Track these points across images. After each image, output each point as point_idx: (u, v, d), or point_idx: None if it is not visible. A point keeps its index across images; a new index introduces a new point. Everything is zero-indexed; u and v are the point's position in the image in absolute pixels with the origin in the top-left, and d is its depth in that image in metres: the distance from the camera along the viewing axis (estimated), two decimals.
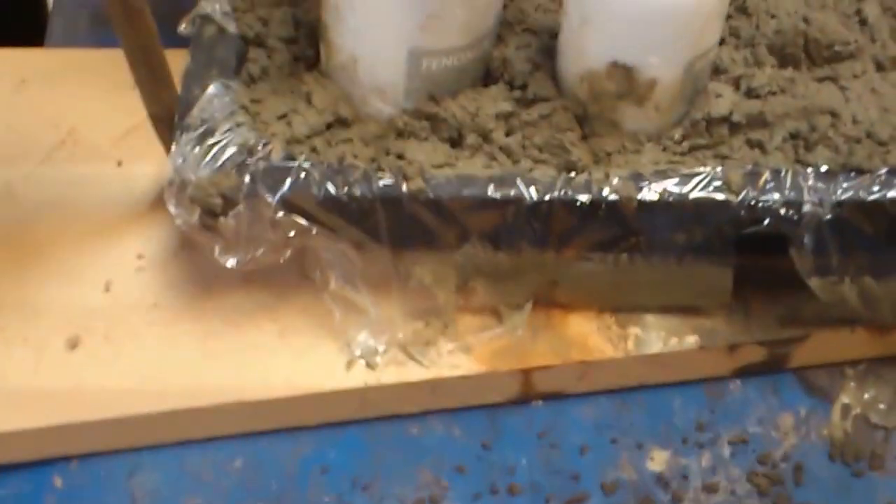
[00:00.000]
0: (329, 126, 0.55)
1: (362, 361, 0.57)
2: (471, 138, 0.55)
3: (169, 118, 0.55)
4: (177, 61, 0.57)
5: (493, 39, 0.57)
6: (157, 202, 0.62)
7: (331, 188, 0.52)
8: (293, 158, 0.53)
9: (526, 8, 0.61)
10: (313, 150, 0.54)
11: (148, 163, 0.64)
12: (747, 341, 0.58)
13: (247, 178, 0.52)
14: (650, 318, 0.59)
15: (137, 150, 0.65)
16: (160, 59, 0.53)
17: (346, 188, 0.52)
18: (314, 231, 0.54)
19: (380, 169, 0.53)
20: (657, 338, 0.58)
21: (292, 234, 0.53)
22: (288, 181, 0.52)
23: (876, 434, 0.58)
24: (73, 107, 0.69)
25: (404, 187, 0.52)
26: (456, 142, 0.55)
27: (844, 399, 0.59)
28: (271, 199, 0.52)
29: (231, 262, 0.54)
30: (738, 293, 0.58)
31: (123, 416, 0.54)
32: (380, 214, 0.53)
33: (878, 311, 0.56)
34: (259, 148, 0.53)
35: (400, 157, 0.54)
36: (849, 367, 0.60)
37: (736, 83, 0.57)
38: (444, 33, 0.54)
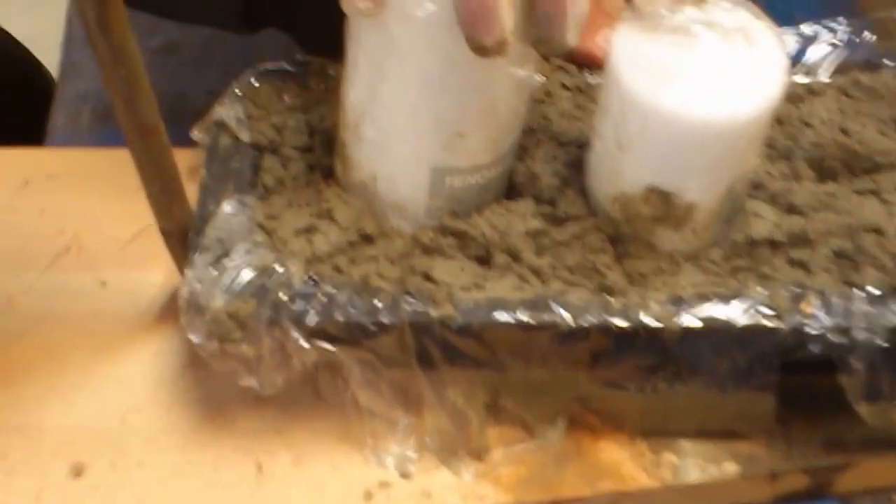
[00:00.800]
0: (352, 243, 0.52)
1: (383, 494, 0.53)
2: (500, 258, 0.52)
3: (182, 233, 0.53)
4: (182, 160, 0.55)
5: (515, 153, 0.55)
6: (165, 314, 0.60)
7: (356, 314, 0.50)
8: (315, 281, 0.50)
9: (549, 113, 0.58)
10: (336, 269, 0.52)
11: (156, 270, 0.61)
12: (790, 468, 0.55)
13: (267, 306, 0.49)
14: (686, 445, 0.55)
15: (145, 257, 0.62)
16: (173, 174, 0.50)
17: (373, 315, 0.49)
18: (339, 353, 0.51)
19: (407, 293, 0.50)
20: (694, 465, 0.55)
21: (316, 358, 0.51)
22: (311, 308, 0.49)
23: None
24: (77, 210, 0.66)
25: (433, 313, 0.49)
26: (484, 259, 0.53)
27: None
28: (294, 328, 0.49)
29: (252, 383, 0.52)
30: (779, 417, 0.55)
31: None
32: (408, 338, 0.50)
33: None
34: (278, 270, 0.50)
35: (427, 276, 0.51)
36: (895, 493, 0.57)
37: (774, 199, 0.55)
38: (469, 151, 0.51)
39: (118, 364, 0.58)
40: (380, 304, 0.50)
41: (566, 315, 0.49)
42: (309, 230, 0.53)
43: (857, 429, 0.53)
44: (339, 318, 0.49)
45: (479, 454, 0.54)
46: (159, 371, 0.58)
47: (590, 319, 0.50)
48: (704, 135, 0.49)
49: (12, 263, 0.63)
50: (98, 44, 0.42)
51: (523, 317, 0.50)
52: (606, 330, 0.50)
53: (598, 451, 0.55)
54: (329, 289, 0.50)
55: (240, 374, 0.52)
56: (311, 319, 0.49)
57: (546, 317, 0.50)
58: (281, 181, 0.55)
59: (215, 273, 0.50)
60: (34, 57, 1.01)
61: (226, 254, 0.51)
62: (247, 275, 0.50)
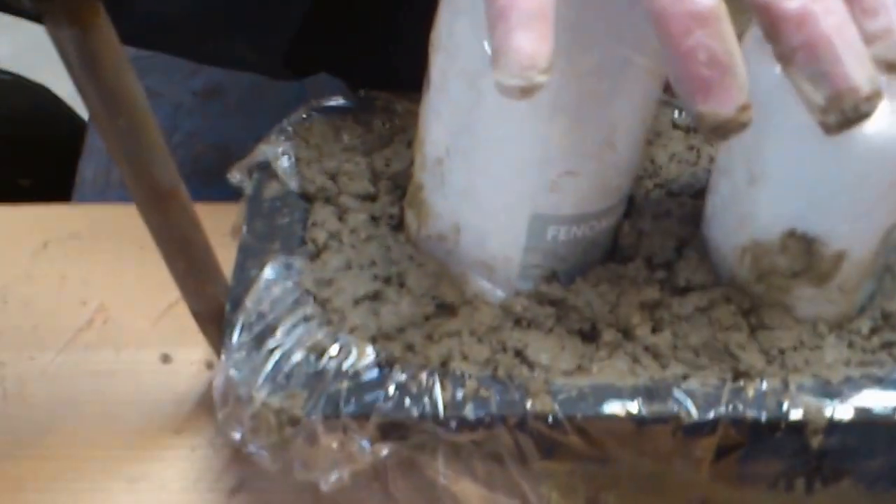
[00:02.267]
0: (427, 316, 0.43)
1: None
2: (609, 334, 0.43)
3: (217, 315, 0.43)
4: (227, 216, 0.46)
5: (627, 204, 0.46)
6: (205, 401, 0.51)
7: (435, 407, 0.40)
8: (382, 365, 0.41)
9: (657, 156, 0.49)
10: (409, 348, 0.42)
11: (194, 348, 0.53)
12: None
13: (322, 398, 0.40)
14: None
15: (181, 332, 0.53)
16: (203, 248, 0.42)
17: (456, 409, 0.40)
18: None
19: (496, 378, 0.41)
20: None
21: (384, 454, 0.41)
22: (378, 401, 0.40)
23: None
24: (103, 278, 0.58)
25: (528, 405, 0.40)
26: (588, 336, 0.44)
27: None
28: (357, 425, 0.40)
29: (310, 478, 0.43)
30: None
31: None
32: (499, 435, 0.41)
33: None
34: (335, 353, 0.41)
35: (520, 355, 0.42)
36: None
37: None
38: (579, 195, 0.42)
39: (148, 462, 0.50)
40: (463, 394, 0.40)
41: (691, 406, 0.40)
42: (374, 298, 0.44)
43: None
44: (414, 412, 0.40)
45: None
46: (198, 470, 0.49)
47: (720, 411, 0.41)
48: (867, 158, 0.39)
49: (27, 342, 0.55)
50: (84, 87, 0.34)
51: (638, 408, 0.41)
52: (739, 423, 0.41)
53: None
54: (401, 375, 0.41)
55: (294, 468, 0.43)
56: (377, 414, 0.40)
57: (666, 408, 0.41)
58: (336, 236, 0.46)
59: (257, 357, 0.41)
60: (68, 107, 0.94)
61: (269, 332, 0.42)
62: (296, 358, 0.42)
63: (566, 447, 0.42)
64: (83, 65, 0.32)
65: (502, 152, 0.42)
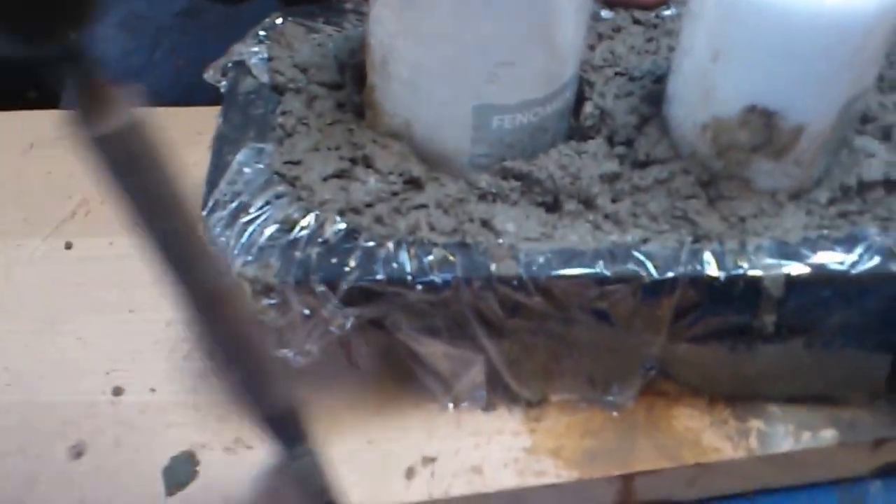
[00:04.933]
0: (396, 192, 0.45)
1: (425, 469, 0.46)
2: (570, 205, 0.45)
3: (284, 418, 0.39)
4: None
5: (576, 89, 0.48)
6: None
7: (403, 271, 0.42)
8: (351, 234, 0.43)
9: (618, 49, 0.51)
10: (377, 220, 0.44)
11: None
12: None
13: (294, 266, 0.42)
14: (775, 410, 0.49)
15: None
16: (261, 353, 0.36)
17: (423, 273, 0.42)
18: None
19: (463, 244, 0.43)
20: (785, 433, 0.48)
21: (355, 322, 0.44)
22: (347, 267, 0.42)
23: None
24: (86, 174, 0.60)
25: (493, 268, 0.42)
26: (551, 207, 0.46)
27: None
28: (329, 291, 0.42)
29: (284, 354, 0.45)
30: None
31: None
32: (465, 297, 0.43)
33: None
34: (307, 223, 0.43)
35: (486, 225, 0.44)
36: None
37: (887, 133, 0.47)
38: (517, 84, 0.44)
39: (127, 336, 0.52)
40: (431, 260, 0.43)
41: (650, 266, 0.42)
42: (342, 176, 0.46)
43: None
44: (382, 277, 0.42)
45: (538, 416, 0.48)
46: (173, 342, 0.52)
47: (679, 271, 0.42)
48: (827, 32, 0.41)
49: (13, 231, 0.57)
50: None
51: (599, 269, 0.42)
52: (698, 282, 0.43)
53: (672, 418, 0.49)
54: (369, 243, 0.43)
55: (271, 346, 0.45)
56: (349, 280, 0.42)
57: (626, 269, 0.43)
58: (305, 122, 0.48)
59: (231, 232, 0.43)
60: None
61: (243, 209, 0.44)
62: (269, 231, 0.44)
63: (529, 308, 0.44)
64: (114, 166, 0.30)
65: (440, 48, 0.43)
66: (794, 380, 0.48)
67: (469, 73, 0.43)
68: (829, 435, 0.48)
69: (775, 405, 0.49)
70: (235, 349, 0.35)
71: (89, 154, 0.31)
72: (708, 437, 0.48)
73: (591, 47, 0.51)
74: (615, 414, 0.48)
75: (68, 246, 0.56)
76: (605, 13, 0.54)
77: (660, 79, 0.49)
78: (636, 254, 0.43)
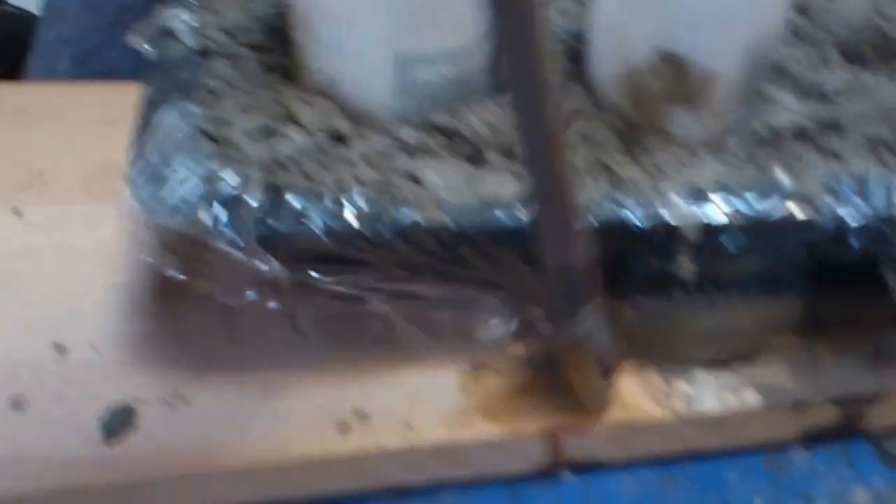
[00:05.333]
0: (322, 148, 0.47)
1: (358, 424, 0.48)
2: (493, 156, 0.46)
3: (584, 272, 0.42)
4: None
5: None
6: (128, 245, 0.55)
7: (331, 226, 0.43)
8: (278, 190, 0.44)
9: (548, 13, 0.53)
10: (304, 175, 0.45)
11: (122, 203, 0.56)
12: (817, 399, 0.49)
13: (218, 220, 0.43)
14: (701, 373, 0.50)
15: (111, 191, 0.57)
16: (574, 196, 0.39)
17: (348, 227, 0.43)
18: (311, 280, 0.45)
19: (389, 196, 0.44)
20: (710, 395, 0.49)
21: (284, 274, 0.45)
22: (274, 221, 0.43)
23: None
24: (44, 146, 0.62)
25: (419, 218, 0.44)
26: (475, 159, 0.47)
27: None
28: (255, 246, 0.43)
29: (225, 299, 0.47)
30: (806, 340, 0.49)
31: (72, 488, 0.45)
32: (396, 249, 0.44)
33: None
34: (232, 180, 0.44)
35: (413, 178, 0.45)
36: None
37: (800, 85, 0.49)
38: (437, 31, 0.45)
39: (80, 297, 0.53)
40: (358, 214, 0.44)
41: None
42: (268, 134, 0.46)
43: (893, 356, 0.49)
44: (309, 232, 0.43)
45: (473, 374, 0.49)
46: (123, 304, 0.53)
47: (599, 218, 0.44)
48: None
49: None
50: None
51: (522, 216, 0.44)
52: (618, 230, 0.44)
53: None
54: (297, 198, 0.44)
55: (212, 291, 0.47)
56: (276, 234, 0.43)
57: None
58: (231, 84, 0.49)
59: (158, 189, 0.44)
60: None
61: (166, 166, 0.45)
62: (196, 188, 0.44)
63: (456, 255, 0.45)
64: None
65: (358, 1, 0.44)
66: (714, 331, 0.49)
67: (387, 21, 0.44)
68: (751, 398, 0.49)
69: (702, 368, 0.50)
70: (557, 196, 0.38)
71: None
72: (633, 398, 0.49)
73: None
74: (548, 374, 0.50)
75: (17, 213, 0.57)
76: None
77: (582, 37, 0.51)
78: None
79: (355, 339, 0.50)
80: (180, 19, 0.52)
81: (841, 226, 0.44)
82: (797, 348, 0.50)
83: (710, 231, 0.44)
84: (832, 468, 0.51)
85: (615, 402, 0.49)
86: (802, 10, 0.52)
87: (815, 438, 0.51)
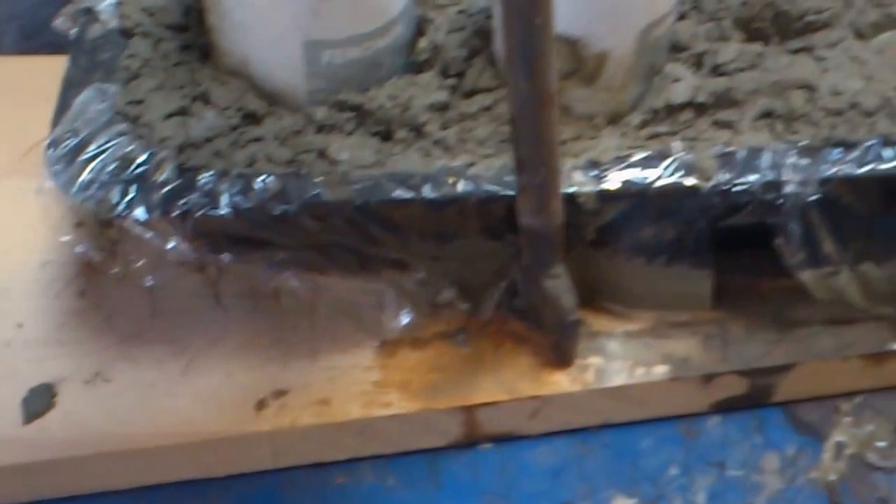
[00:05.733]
0: (234, 126, 0.47)
1: (276, 402, 0.48)
2: (402, 133, 0.47)
3: (555, 233, 0.45)
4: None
5: (412, 24, 0.50)
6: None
7: (239, 204, 0.44)
8: (189, 168, 0.45)
9: None
10: (216, 154, 0.46)
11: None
12: (725, 371, 0.50)
13: (129, 199, 0.44)
14: (613, 346, 0.51)
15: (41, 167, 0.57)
16: (557, 158, 0.42)
17: (259, 204, 0.44)
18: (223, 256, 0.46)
19: (298, 174, 0.45)
20: (621, 368, 0.50)
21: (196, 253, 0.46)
22: (185, 201, 0.44)
23: (874, 476, 0.50)
24: None
25: (328, 195, 0.44)
26: (385, 136, 0.48)
27: (838, 437, 0.51)
28: (166, 224, 0.44)
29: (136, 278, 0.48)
30: (715, 315, 0.51)
31: None
32: (304, 224, 0.45)
33: (884, 303, 0.49)
34: (144, 160, 0.45)
35: (322, 154, 0.46)
36: (842, 401, 0.53)
37: (699, 60, 0.51)
38: (343, 18, 0.46)
39: (5, 275, 0.54)
40: (266, 188, 0.45)
41: (477, 186, 0.45)
42: (182, 114, 0.47)
43: (801, 329, 0.51)
44: (220, 211, 0.44)
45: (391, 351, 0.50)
46: (46, 278, 0.53)
47: (504, 190, 0.45)
48: None
49: None
50: None
51: (428, 192, 0.45)
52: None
53: (517, 356, 0.51)
54: (208, 177, 0.45)
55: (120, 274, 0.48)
56: (187, 213, 0.44)
57: (453, 190, 0.45)
58: (149, 63, 0.49)
59: (72, 169, 0.45)
60: None
61: (84, 146, 0.46)
62: (108, 167, 0.45)
63: (366, 232, 0.46)
64: None
65: None
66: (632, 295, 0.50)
67: (293, 8, 0.45)
68: (661, 370, 0.50)
69: (614, 342, 0.51)
70: (547, 150, 0.40)
71: None
72: (547, 372, 0.50)
73: None
74: (463, 350, 0.51)
75: None
76: None
77: (491, 15, 0.51)
78: (460, 177, 0.45)
79: (277, 317, 0.51)
80: (102, 0, 0.52)
81: (734, 197, 0.45)
82: (707, 321, 0.51)
83: (604, 199, 0.45)
84: (745, 435, 0.52)
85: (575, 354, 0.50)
86: None
87: (726, 408, 0.52)
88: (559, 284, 0.47)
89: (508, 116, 0.40)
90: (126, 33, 0.51)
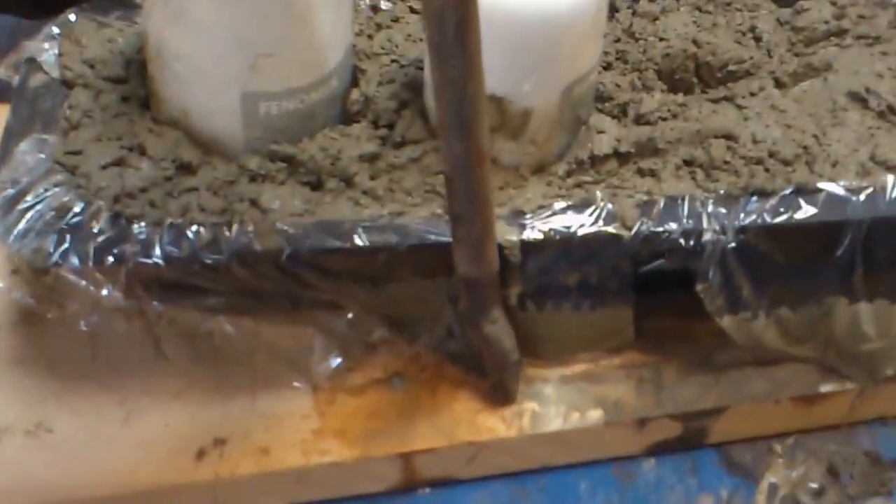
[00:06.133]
0: (168, 177, 0.48)
1: (215, 451, 0.49)
2: (332, 183, 0.48)
3: (493, 279, 0.46)
4: None
5: (347, 76, 0.51)
6: None
7: (172, 254, 0.45)
8: (125, 219, 0.46)
9: (395, 37, 0.55)
10: (151, 204, 0.47)
11: None
12: (659, 414, 0.51)
13: (64, 248, 0.45)
14: (548, 391, 0.52)
15: None
16: (492, 208, 0.43)
17: (192, 254, 0.45)
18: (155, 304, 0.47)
19: (229, 224, 0.46)
20: (556, 413, 0.51)
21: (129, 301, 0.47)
22: (120, 251, 0.45)
23: None
24: None
25: (258, 244, 0.45)
26: (316, 185, 0.49)
27: (771, 478, 0.52)
28: (100, 273, 0.45)
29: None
30: (648, 359, 0.52)
31: None
32: (237, 273, 0.46)
33: (800, 346, 0.51)
34: (80, 210, 0.46)
35: (254, 203, 0.47)
36: (775, 442, 0.54)
37: (623, 110, 0.52)
38: (280, 73, 0.47)
39: None
40: (198, 238, 0.45)
41: (404, 235, 0.46)
42: (118, 164, 0.48)
43: (731, 373, 0.52)
44: (153, 260, 0.45)
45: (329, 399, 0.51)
46: None
47: (431, 238, 0.46)
48: (531, 31, 0.45)
49: None
50: (451, 54, 0.36)
51: (358, 241, 0.46)
52: (444, 247, 0.46)
53: (454, 401, 0.51)
54: (142, 227, 0.46)
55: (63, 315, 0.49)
56: (120, 263, 0.45)
57: (382, 238, 0.46)
58: (89, 114, 0.50)
59: (10, 217, 0.45)
60: None
61: (22, 196, 0.46)
62: (44, 216, 0.46)
63: (300, 279, 0.47)
64: (456, 32, 0.35)
65: (203, 39, 0.46)
66: (557, 342, 0.51)
67: (232, 63, 0.47)
68: (596, 415, 0.51)
69: (550, 387, 0.52)
70: (481, 206, 0.42)
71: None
72: (483, 418, 0.51)
73: (370, 37, 0.54)
74: (400, 394, 0.51)
75: None
76: (384, 4, 0.57)
77: (423, 66, 0.53)
78: (389, 226, 0.46)
79: (216, 363, 0.52)
80: (46, 50, 0.53)
81: (655, 244, 0.47)
82: (641, 365, 0.52)
83: (528, 248, 0.46)
84: (679, 477, 0.53)
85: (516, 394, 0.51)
86: (629, 33, 0.55)
87: (661, 450, 0.53)
88: (498, 329, 0.48)
89: (444, 175, 0.41)
90: (68, 84, 0.52)
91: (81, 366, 0.52)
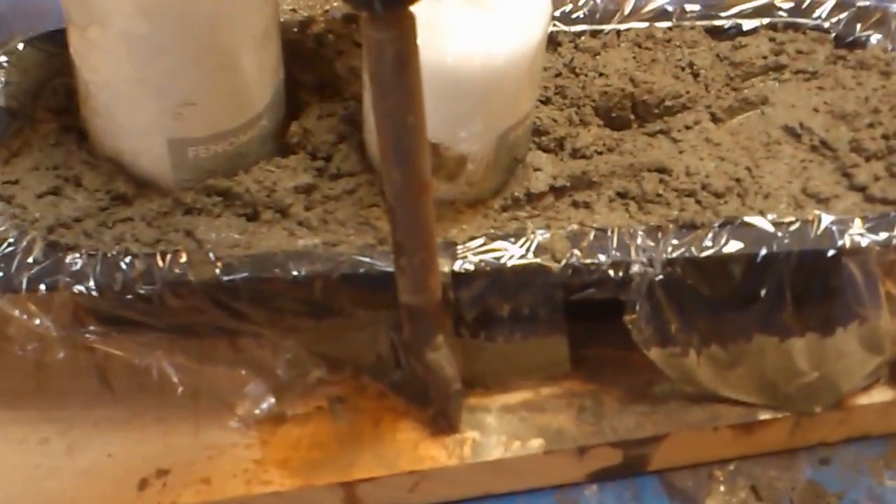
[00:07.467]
0: (104, 208, 0.49)
1: (158, 481, 0.49)
2: (267, 214, 0.49)
3: (436, 308, 0.46)
4: None
5: (279, 114, 0.52)
6: None
7: (104, 285, 0.45)
8: (59, 250, 0.46)
9: (339, 70, 0.56)
10: (85, 234, 0.47)
11: None
12: (599, 443, 0.52)
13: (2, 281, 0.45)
14: (490, 420, 0.52)
15: None
16: (434, 237, 0.43)
17: (125, 284, 0.45)
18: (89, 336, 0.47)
19: (163, 255, 0.46)
20: (497, 442, 0.52)
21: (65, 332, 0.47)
22: (54, 282, 0.45)
23: None
24: None
25: (191, 274, 0.46)
26: (252, 217, 0.49)
27: None
28: (34, 303, 0.45)
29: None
30: (589, 388, 0.52)
31: None
32: (170, 303, 0.46)
33: (731, 385, 0.51)
34: (14, 239, 0.46)
35: (189, 234, 0.48)
36: (716, 468, 0.54)
37: (560, 144, 0.53)
38: (205, 120, 0.48)
39: None
40: (134, 272, 0.46)
41: (338, 265, 0.46)
42: (54, 194, 0.49)
43: (671, 402, 0.52)
44: (87, 290, 0.45)
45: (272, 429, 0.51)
46: None
47: (362, 270, 0.46)
48: (466, 81, 0.46)
49: None
50: (389, 86, 0.36)
51: (292, 270, 0.46)
52: (384, 278, 0.46)
53: (396, 431, 0.52)
54: (76, 258, 0.46)
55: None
56: (56, 293, 0.45)
57: (314, 268, 0.46)
58: (28, 143, 0.51)
59: None
60: None
61: None
62: None
63: (234, 311, 0.47)
64: (395, 65, 0.35)
65: (125, 88, 0.47)
66: (494, 371, 0.52)
67: (154, 112, 0.47)
68: (536, 444, 0.52)
69: (491, 416, 0.52)
70: (423, 234, 0.42)
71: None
72: (425, 447, 0.51)
73: (316, 68, 0.55)
74: (343, 426, 0.52)
75: None
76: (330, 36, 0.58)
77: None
78: (320, 255, 0.47)
79: (159, 394, 0.52)
80: None
81: (585, 275, 0.47)
82: (581, 394, 0.53)
83: (459, 278, 0.47)
84: (621, 503, 0.53)
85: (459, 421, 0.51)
86: (570, 68, 0.56)
87: (603, 477, 0.53)
88: (441, 356, 0.48)
89: (387, 205, 0.42)
90: (11, 112, 0.52)
91: (26, 395, 0.52)
